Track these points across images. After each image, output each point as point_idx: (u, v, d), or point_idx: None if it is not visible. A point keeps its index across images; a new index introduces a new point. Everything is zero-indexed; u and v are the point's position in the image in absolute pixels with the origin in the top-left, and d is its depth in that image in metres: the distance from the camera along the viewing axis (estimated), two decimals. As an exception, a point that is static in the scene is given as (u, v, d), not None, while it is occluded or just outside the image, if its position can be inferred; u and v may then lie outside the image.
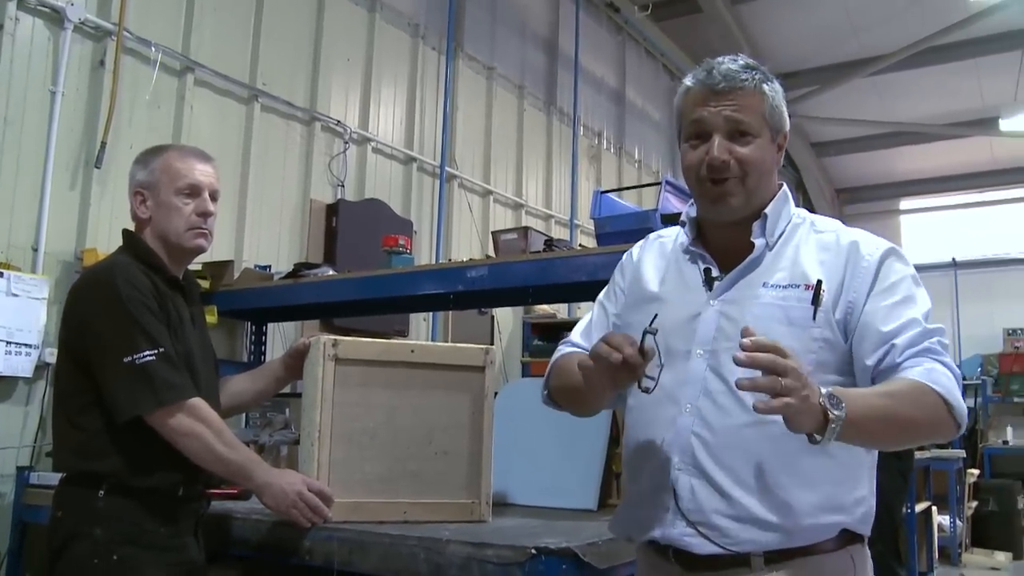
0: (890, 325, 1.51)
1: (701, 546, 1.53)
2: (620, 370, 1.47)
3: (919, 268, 1.65)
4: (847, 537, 1.57)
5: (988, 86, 10.44)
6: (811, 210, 1.76)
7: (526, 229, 3.33)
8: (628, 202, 3.52)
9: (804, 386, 1.30)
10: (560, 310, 6.89)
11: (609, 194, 2.87)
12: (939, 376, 1.45)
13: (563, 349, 1.87)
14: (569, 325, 4.85)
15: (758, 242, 1.61)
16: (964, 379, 4.22)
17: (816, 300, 1.53)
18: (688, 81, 1.64)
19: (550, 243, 3.16)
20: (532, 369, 4.80)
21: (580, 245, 3.23)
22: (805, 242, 1.63)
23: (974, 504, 8.67)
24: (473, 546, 1.88)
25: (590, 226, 7.32)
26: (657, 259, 1.78)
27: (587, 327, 1.87)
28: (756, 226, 1.62)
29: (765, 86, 1.60)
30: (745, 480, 1.51)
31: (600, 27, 8.63)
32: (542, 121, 7.65)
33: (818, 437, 1.33)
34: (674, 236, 1.79)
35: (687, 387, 1.58)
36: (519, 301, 4.45)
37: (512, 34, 7.30)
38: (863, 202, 14.02)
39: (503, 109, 7.10)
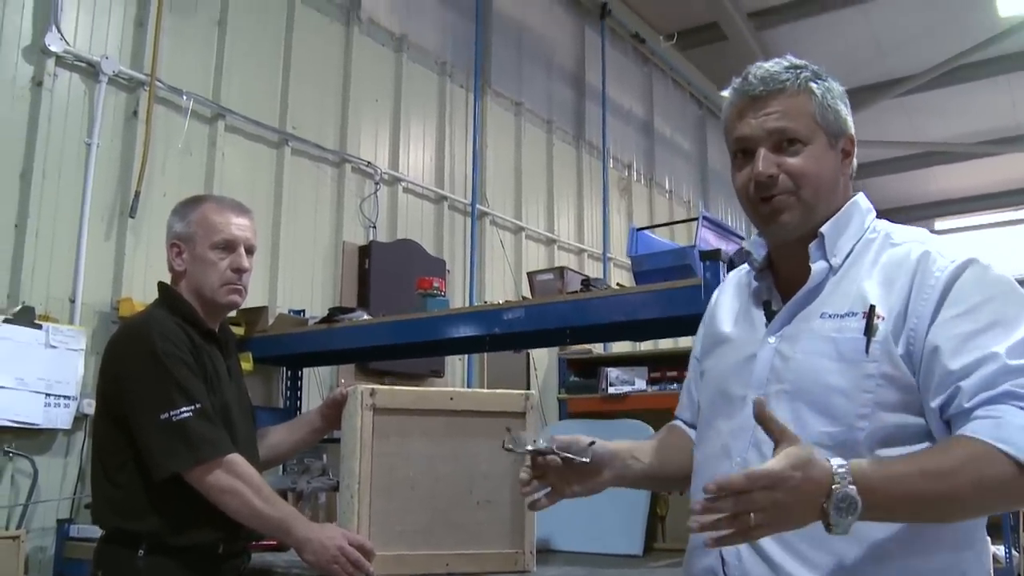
0: (959, 361, 1.24)
1: None
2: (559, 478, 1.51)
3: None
4: None
5: (1022, 102, 10.30)
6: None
7: (562, 269, 3.28)
8: (662, 237, 3.46)
9: (776, 508, 1.11)
10: (596, 346, 6.82)
11: (645, 231, 2.83)
12: (1012, 432, 1.16)
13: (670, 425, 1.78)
14: (605, 360, 4.79)
15: (816, 267, 1.41)
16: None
17: (869, 330, 1.31)
18: (727, 92, 1.49)
19: (587, 283, 3.11)
20: (569, 406, 4.72)
21: (618, 284, 3.17)
22: (876, 260, 1.40)
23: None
24: (519, 600, 1.83)
25: (623, 259, 7.31)
26: (732, 298, 1.61)
27: (687, 392, 1.75)
28: (813, 248, 1.42)
29: (813, 84, 1.42)
30: (796, 547, 1.29)
31: (626, 58, 8.65)
32: (572, 155, 7.64)
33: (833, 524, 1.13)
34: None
35: (740, 438, 1.41)
36: (556, 342, 4.39)
37: (539, 69, 7.32)
38: (897, 223, 13.80)
39: (532, 144, 7.10)
